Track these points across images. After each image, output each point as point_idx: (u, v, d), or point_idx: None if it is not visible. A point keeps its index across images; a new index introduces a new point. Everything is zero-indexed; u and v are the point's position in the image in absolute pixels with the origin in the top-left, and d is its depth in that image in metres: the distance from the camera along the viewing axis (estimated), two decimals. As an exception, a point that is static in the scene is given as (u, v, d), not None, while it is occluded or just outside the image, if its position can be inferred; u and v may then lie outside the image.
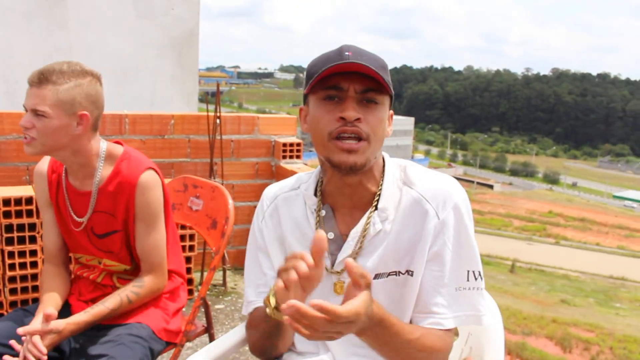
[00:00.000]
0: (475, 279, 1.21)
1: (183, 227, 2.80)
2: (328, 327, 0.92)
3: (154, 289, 1.72)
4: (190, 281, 3.08)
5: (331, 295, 1.24)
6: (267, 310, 1.05)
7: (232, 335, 1.46)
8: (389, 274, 1.21)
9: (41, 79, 1.54)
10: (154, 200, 1.70)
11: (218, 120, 3.51)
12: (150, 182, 1.69)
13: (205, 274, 3.42)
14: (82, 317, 1.59)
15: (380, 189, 1.23)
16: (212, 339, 1.91)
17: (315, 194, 1.29)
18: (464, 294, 1.20)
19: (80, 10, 5.09)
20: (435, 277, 1.20)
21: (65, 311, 1.73)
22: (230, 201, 1.86)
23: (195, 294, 3.13)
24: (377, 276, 1.21)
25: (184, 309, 1.87)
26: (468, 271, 1.20)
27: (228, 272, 3.57)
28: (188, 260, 3.15)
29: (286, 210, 1.32)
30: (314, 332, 0.92)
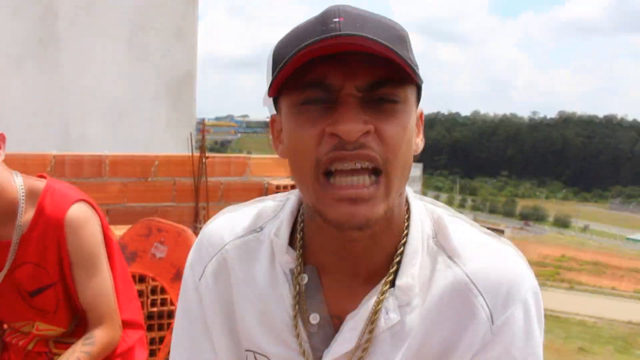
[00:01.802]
0: None
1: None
2: None
3: (107, 344, 1.43)
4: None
5: None
6: None
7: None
8: None
9: None
10: (88, 239, 1.40)
11: (205, 160, 3.30)
12: (81, 218, 1.39)
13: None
14: None
15: (402, 251, 0.78)
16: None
17: (292, 245, 0.82)
18: None
19: (74, 53, 4.99)
20: None
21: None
22: (197, 247, 1.61)
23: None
24: None
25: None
26: None
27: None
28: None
29: (240, 266, 0.85)
30: None
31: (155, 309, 2.85)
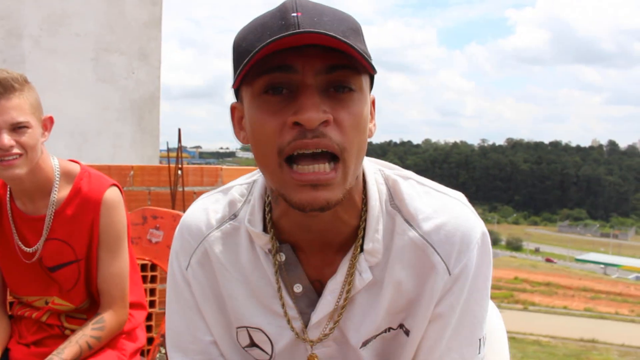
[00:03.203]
0: (484, 345, 0.93)
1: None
2: None
3: (115, 328, 1.52)
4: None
5: None
6: None
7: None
8: (377, 335, 0.92)
9: (5, 88, 1.35)
10: (119, 222, 1.52)
11: (180, 172, 3.39)
12: (116, 200, 1.51)
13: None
14: None
15: (364, 220, 0.88)
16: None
17: (265, 229, 0.90)
18: None
19: (39, 73, 4.99)
20: (435, 345, 0.90)
21: (4, 357, 1.52)
22: (194, 228, 1.72)
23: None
24: (365, 343, 0.91)
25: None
26: (480, 340, 0.91)
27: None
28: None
29: (223, 254, 0.93)
30: None
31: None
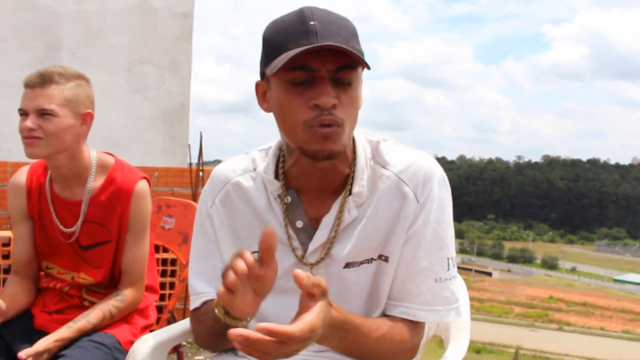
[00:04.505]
0: (453, 266, 1.13)
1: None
2: (282, 349, 0.85)
3: (133, 303, 1.69)
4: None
5: None
6: (217, 314, 0.98)
7: (183, 324, 1.43)
8: (361, 263, 1.12)
9: (44, 79, 1.53)
10: (146, 211, 1.69)
11: (201, 173, 3.58)
12: (145, 192, 1.68)
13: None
14: (66, 332, 1.54)
15: (354, 171, 1.12)
16: (180, 356, 1.86)
17: (277, 177, 1.15)
18: (444, 286, 1.11)
19: (74, 85, 5.28)
20: (411, 264, 1.11)
21: (28, 322, 1.69)
22: (202, 214, 1.88)
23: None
24: (348, 265, 1.12)
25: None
26: (448, 259, 1.12)
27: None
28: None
29: (241, 196, 1.17)
30: (267, 356, 0.85)
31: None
